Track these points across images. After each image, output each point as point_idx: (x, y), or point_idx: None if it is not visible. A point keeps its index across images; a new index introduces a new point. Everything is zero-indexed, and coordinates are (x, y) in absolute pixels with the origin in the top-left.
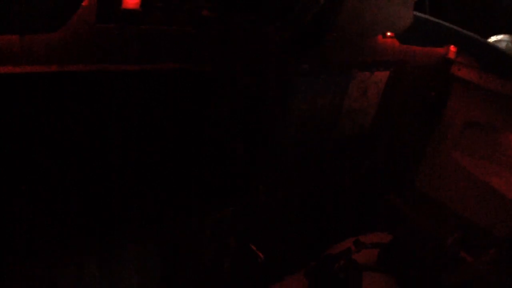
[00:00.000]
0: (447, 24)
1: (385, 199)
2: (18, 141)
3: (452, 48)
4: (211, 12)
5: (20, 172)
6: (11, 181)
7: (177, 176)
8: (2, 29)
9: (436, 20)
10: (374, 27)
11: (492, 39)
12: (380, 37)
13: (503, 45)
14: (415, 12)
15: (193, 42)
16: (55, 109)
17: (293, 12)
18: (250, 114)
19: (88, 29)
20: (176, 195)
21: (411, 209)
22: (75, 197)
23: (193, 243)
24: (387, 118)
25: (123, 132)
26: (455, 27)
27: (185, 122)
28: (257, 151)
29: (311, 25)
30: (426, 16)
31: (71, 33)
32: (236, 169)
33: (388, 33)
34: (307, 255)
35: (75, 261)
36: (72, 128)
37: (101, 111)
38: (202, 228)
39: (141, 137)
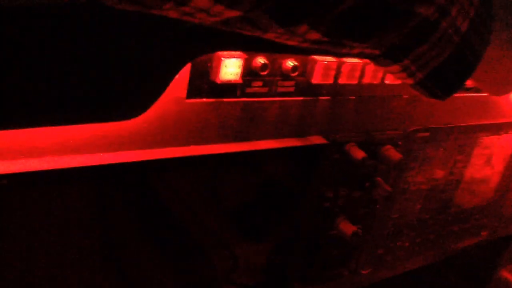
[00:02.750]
0: None
1: (499, 275)
2: None
3: None
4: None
5: None
6: None
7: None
8: (67, 120)
9: None
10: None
11: None
12: (508, 95)
13: None
14: None
15: (301, 112)
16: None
17: (425, 44)
18: (363, 189)
19: (177, 106)
20: None
21: None
22: None
23: None
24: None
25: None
26: None
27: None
28: (365, 230)
29: (448, 65)
30: None
31: (155, 112)
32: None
33: None
34: None
35: None
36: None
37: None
38: None
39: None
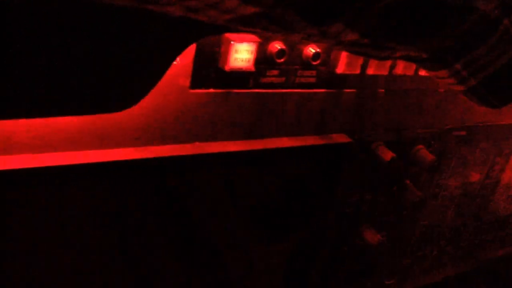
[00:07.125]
0: None
1: None
2: None
3: None
4: None
5: None
6: None
7: None
8: (54, 111)
9: None
10: None
11: None
12: None
13: None
14: None
15: (323, 106)
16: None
17: (482, 47)
18: (390, 193)
19: (179, 97)
20: None
21: None
22: None
23: None
24: None
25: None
26: None
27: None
28: (391, 237)
29: (507, 71)
30: None
31: (153, 104)
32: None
33: None
34: None
35: None
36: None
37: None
38: None
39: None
